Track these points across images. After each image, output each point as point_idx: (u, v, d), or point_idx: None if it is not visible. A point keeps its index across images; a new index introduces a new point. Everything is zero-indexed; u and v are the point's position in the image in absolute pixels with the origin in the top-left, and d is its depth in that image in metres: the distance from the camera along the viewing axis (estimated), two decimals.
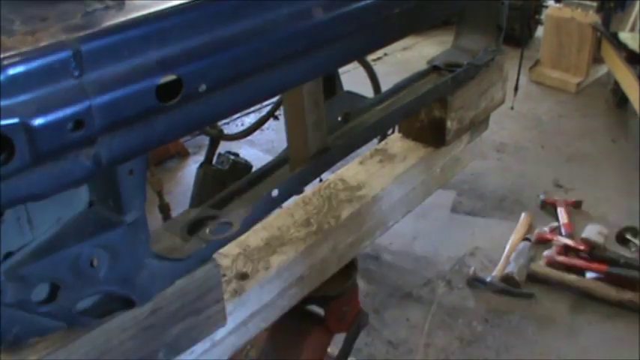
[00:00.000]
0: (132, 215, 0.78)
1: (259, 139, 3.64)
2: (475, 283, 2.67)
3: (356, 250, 1.30)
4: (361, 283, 2.51)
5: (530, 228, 2.96)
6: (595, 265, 2.71)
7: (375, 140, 1.45)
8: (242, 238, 1.12)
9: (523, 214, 3.01)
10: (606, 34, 3.91)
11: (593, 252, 2.78)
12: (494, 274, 2.68)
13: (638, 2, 4.17)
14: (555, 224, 2.97)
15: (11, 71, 0.59)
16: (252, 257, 1.13)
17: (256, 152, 3.51)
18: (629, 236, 2.85)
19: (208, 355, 1.02)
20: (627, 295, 2.57)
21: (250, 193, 1.06)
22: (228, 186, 1.07)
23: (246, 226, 0.99)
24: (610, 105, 3.99)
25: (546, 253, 2.79)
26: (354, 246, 1.28)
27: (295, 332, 1.45)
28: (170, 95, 0.71)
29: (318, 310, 1.44)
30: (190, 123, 0.76)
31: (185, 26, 0.72)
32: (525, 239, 2.86)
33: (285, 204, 1.13)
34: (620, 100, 3.86)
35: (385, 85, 1.84)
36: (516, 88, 2.72)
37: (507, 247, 2.81)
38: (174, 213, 2.48)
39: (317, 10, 0.85)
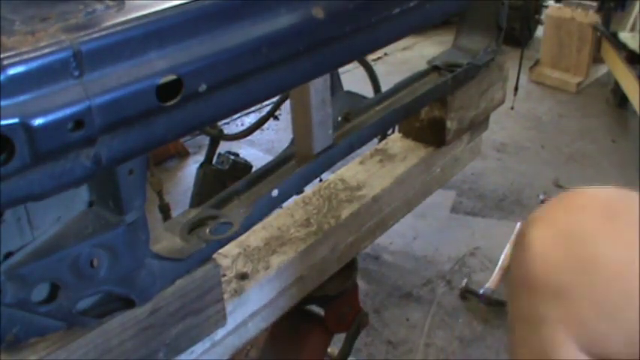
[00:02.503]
0: (132, 215, 0.78)
1: (259, 139, 3.64)
2: (467, 295, 2.59)
3: (356, 250, 1.30)
4: (361, 283, 2.52)
5: None
6: None
7: (375, 140, 1.45)
8: (242, 238, 1.12)
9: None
10: (606, 34, 3.91)
11: None
12: (488, 285, 2.58)
13: (638, 2, 4.17)
14: None
15: (11, 71, 0.59)
16: (252, 257, 1.13)
17: (256, 152, 3.50)
18: None
19: (208, 355, 1.02)
20: None
21: (250, 193, 1.06)
22: (228, 186, 1.07)
23: (246, 226, 0.99)
24: (610, 105, 3.99)
25: None
26: (354, 246, 1.28)
27: (295, 332, 1.45)
28: (170, 95, 0.71)
29: (318, 310, 1.44)
30: (190, 123, 0.76)
31: (185, 26, 0.72)
32: None
33: (285, 204, 1.13)
34: (621, 100, 3.86)
35: (385, 85, 1.84)
36: (516, 88, 2.72)
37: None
38: (174, 213, 2.48)
39: (317, 10, 0.85)
